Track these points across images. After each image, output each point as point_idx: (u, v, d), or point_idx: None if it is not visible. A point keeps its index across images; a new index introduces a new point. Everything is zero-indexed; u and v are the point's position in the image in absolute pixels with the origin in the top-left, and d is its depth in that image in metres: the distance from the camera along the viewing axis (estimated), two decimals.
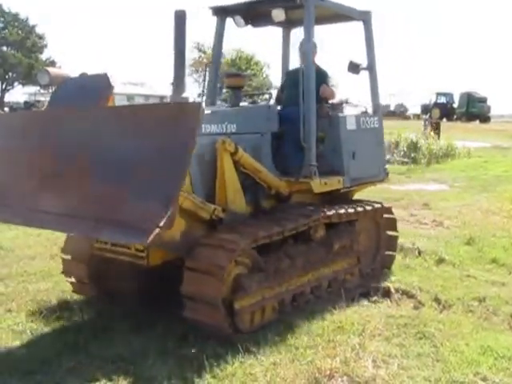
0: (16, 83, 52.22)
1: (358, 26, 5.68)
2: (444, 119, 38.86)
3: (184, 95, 3.44)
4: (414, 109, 50.44)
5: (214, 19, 5.69)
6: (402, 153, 17.12)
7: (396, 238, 5.70)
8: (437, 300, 4.71)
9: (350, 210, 4.95)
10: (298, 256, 4.40)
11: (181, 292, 3.76)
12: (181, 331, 3.94)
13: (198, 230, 3.97)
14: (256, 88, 34.33)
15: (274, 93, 6.16)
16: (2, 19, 50.14)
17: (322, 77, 5.19)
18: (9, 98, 51.55)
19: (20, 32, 50.02)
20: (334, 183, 5.07)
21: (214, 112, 4.63)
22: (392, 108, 53.23)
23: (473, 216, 8.43)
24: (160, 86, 56.34)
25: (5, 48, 50.04)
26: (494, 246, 6.55)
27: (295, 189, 4.90)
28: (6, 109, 38.61)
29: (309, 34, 4.99)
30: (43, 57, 52.21)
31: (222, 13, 5.58)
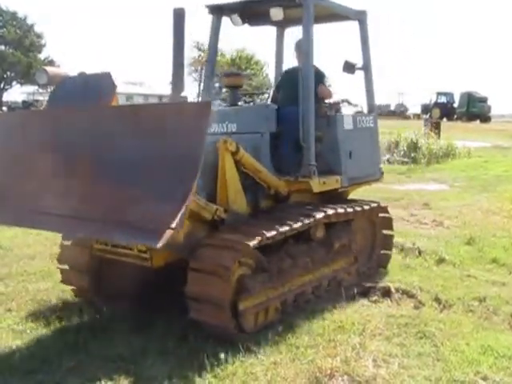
0: (14, 82, 52.10)
1: (353, 26, 5.70)
2: (444, 119, 38.87)
3: (183, 94, 3.44)
4: (415, 108, 50.51)
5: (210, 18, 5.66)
6: (402, 152, 17.12)
7: (392, 237, 5.72)
8: (437, 300, 4.70)
9: (350, 210, 4.95)
10: (299, 256, 4.39)
11: (185, 293, 3.72)
12: (181, 331, 3.93)
13: (200, 231, 3.96)
14: (256, 87, 34.27)
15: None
16: (0, 18, 50.03)
17: (319, 77, 5.19)
18: (7, 97, 51.50)
19: (18, 31, 49.91)
20: (332, 183, 5.08)
21: (215, 111, 4.62)
22: (392, 108, 53.23)
23: (473, 216, 8.43)
24: (159, 85, 56.39)
25: (3, 47, 49.95)
26: (495, 245, 6.55)
27: (294, 188, 4.89)
28: (4, 108, 38.51)
29: (308, 34, 4.97)
30: (42, 56, 52.15)
31: (217, 11, 5.56)
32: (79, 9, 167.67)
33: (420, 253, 6.15)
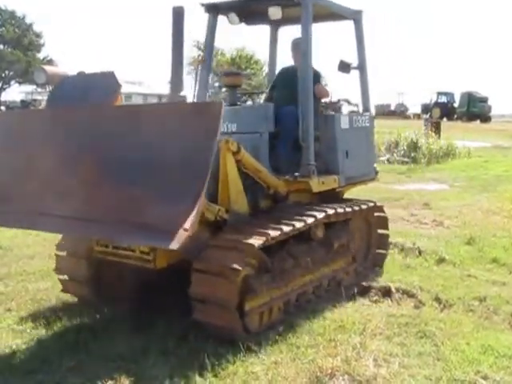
0: (13, 82, 51.90)
1: (348, 26, 5.71)
2: (444, 119, 38.85)
3: (182, 94, 3.42)
4: (415, 108, 50.47)
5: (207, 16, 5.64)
6: (402, 152, 17.12)
7: (387, 236, 5.72)
8: (437, 299, 4.70)
9: (349, 209, 4.95)
10: (301, 256, 4.39)
11: (189, 294, 3.69)
12: (181, 331, 3.93)
13: (203, 232, 3.93)
14: (255, 87, 34.28)
15: None
16: None
17: (316, 76, 5.18)
18: (5, 96, 51.23)
19: (17, 30, 49.78)
20: (330, 182, 5.08)
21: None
22: (392, 107, 53.19)
23: (473, 216, 8.42)
24: (158, 84, 56.34)
25: (1, 46, 49.82)
26: (495, 245, 6.55)
27: (293, 188, 4.89)
28: (3, 108, 38.36)
29: (307, 33, 4.96)
30: (41, 55, 52.02)
31: (214, 10, 5.53)
32: (78, 8, 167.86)
33: (420, 253, 6.15)
